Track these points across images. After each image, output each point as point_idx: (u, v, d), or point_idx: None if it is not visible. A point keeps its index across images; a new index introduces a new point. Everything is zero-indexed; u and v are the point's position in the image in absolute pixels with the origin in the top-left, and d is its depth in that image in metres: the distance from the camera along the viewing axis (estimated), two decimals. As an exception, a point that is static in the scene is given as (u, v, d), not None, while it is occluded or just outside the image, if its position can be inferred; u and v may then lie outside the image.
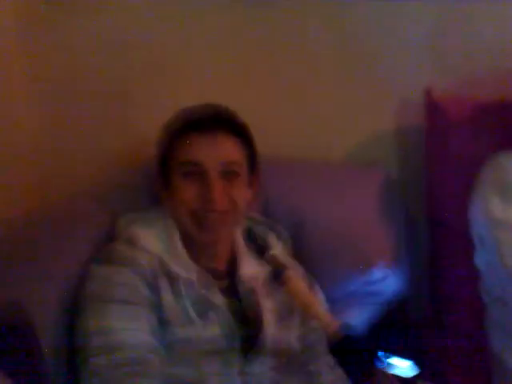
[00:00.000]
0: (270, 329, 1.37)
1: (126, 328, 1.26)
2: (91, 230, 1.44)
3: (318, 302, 1.35)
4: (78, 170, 1.88)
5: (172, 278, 1.33)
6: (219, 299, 1.36)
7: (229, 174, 1.38)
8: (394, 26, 1.83)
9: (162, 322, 1.30)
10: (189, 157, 1.38)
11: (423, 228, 1.81)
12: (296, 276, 1.29)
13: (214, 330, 1.32)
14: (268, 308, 1.39)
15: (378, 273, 1.58)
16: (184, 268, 1.35)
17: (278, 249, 1.47)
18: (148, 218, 1.41)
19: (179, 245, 1.37)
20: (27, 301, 1.27)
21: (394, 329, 1.54)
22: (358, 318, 1.52)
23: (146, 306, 1.29)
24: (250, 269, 1.43)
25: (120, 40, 1.83)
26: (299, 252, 1.56)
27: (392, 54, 1.83)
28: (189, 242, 1.39)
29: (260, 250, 1.35)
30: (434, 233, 1.79)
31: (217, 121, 1.40)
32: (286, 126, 1.85)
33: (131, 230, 1.38)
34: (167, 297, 1.31)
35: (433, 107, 1.77)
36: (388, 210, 1.71)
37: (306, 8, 1.82)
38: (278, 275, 1.30)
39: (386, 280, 1.59)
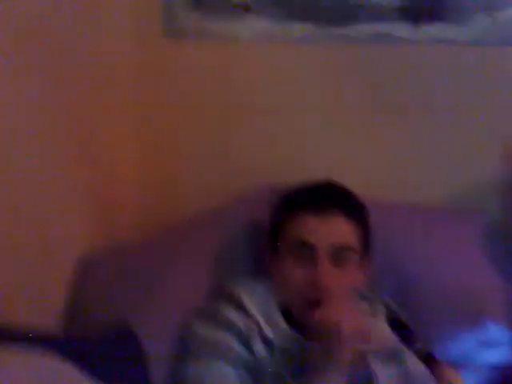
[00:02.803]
0: None
1: None
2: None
3: None
4: (182, 192, 1.87)
5: (268, 343, 1.34)
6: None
7: (340, 258, 1.38)
8: (502, 67, 1.77)
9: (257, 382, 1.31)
10: (301, 238, 1.39)
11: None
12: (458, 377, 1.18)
13: None
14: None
15: (493, 331, 1.48)
16: (279, 335, 1.35)
17: None
18: (253, 284, 1.44)
19: (277, 313, 1.38)
20: (138, 325, 1.32)
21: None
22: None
23: (239, 365, 1.31)
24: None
25: (227, 77, 1.83)
26: (406, 310, 1.50)
27: (499, 96, 1.77)
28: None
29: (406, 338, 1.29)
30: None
31: (332, 202, 1.40)
32: (387, 167, 1.82)
33: (237, 294, 1.40)
34: (262, 359, 1.32)
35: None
36: (496, 260, 1.62)
37: (419, 51, 1.78)
38: (433, 372, 1.20)
39: (503, 339, 1.49)
